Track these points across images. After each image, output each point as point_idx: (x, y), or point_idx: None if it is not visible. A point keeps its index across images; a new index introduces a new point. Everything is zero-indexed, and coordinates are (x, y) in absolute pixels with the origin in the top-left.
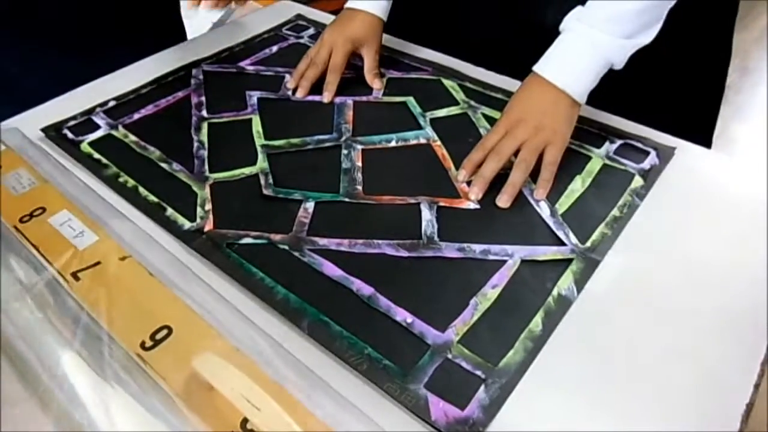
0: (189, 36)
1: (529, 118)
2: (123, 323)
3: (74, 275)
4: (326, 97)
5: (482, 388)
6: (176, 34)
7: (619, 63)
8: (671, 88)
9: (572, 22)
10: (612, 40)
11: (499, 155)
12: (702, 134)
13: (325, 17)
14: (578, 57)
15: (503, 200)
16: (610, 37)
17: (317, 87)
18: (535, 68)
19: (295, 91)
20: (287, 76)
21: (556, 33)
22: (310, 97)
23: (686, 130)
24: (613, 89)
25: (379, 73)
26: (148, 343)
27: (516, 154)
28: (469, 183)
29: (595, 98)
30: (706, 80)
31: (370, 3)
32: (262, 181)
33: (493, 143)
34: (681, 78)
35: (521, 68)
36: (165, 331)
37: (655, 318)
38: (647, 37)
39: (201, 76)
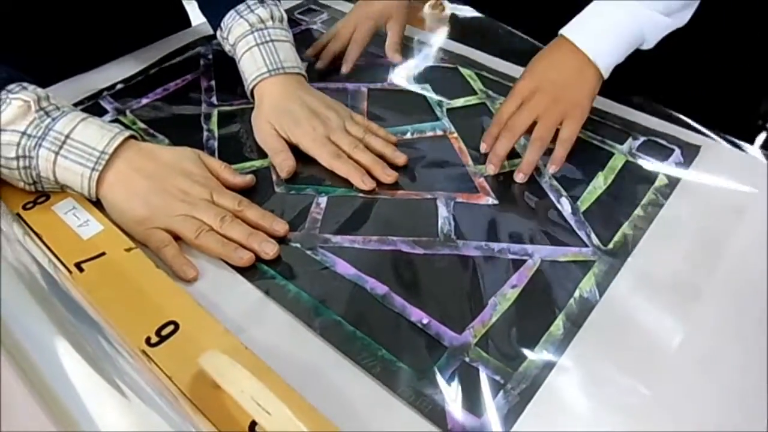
0: (197, 21)
1: (548, 87)
2: (128, 318)
3: (78, 266)
4: (344, 68)
5: (501, 394)
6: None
7: (651, 42)
8: (714, 77)
9: None
10: (651, 15)
11: (512, 131)
12: (743, 127)
13: (338, 2)
14: (614, 26)
15: (519, 177)
16: (650, 11)
17: (330, 73)
18: (564, 32)
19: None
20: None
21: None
22: (323, 84)
23: (726, 123)
24: (655, 77)
25: (400, 49)
26: (154, 339)
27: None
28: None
29: (635, 84)
30: (750, 69)
31: None
32: (274, 176)
33: (509, 113)
34: (725, 66)
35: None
36: (171, 327)
37: (680, 321)
38: (682, 20)
39: (210, 56)
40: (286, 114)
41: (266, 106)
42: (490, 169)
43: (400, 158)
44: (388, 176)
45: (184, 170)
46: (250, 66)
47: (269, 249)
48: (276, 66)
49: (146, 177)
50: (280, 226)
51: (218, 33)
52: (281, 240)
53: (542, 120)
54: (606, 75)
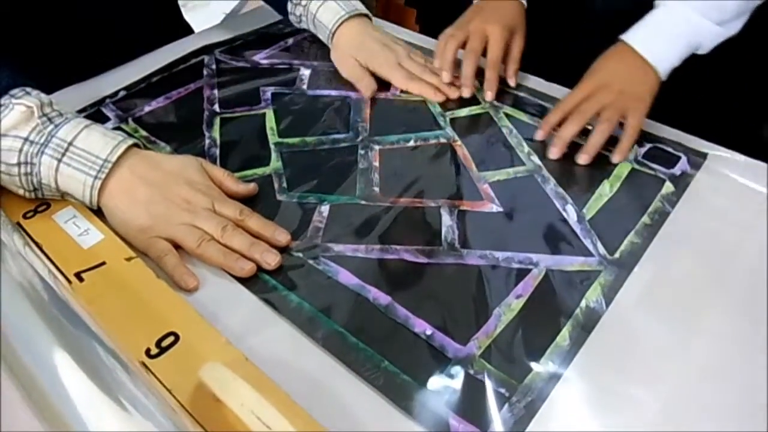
0: (200, 28)
1: (614, 83)
2: (128, 329)
3: (78, 276)
4: (489, 96)
5: (506, 407)
6: (182, 33)
7: (706, 48)
8: (719, 99)
9: (671, 1)
10: (708, 24)
11: (581, 116)
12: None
13: None
14: (672, 34)
15: (582, 159)
16: (708, 21)
17: (332, 81)
18: (625, 38)
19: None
20: (302, 69)
21: (606, 17)
22: (325, 92)
23: (733, 134)
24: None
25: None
26: (154, 351)
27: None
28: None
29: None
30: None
31: None
32: (276, 184)
33: (572, 105)
34: (732, 78)
35: (568, 53)
36: (171, 338)
37: (688, 332)
38: (734, 29)
39: (213, 66)
40: (364, 48)
41: (346, 44)
42: (554, 152)
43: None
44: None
45: (186, 179)
46: (329, 14)
47: (271, 259)
48: (350, 9)
49: (148, 185)
50: (282, 236)
51: (288, 4)
52: (283, 249)
53: (609, 108)
54: (664, 77)
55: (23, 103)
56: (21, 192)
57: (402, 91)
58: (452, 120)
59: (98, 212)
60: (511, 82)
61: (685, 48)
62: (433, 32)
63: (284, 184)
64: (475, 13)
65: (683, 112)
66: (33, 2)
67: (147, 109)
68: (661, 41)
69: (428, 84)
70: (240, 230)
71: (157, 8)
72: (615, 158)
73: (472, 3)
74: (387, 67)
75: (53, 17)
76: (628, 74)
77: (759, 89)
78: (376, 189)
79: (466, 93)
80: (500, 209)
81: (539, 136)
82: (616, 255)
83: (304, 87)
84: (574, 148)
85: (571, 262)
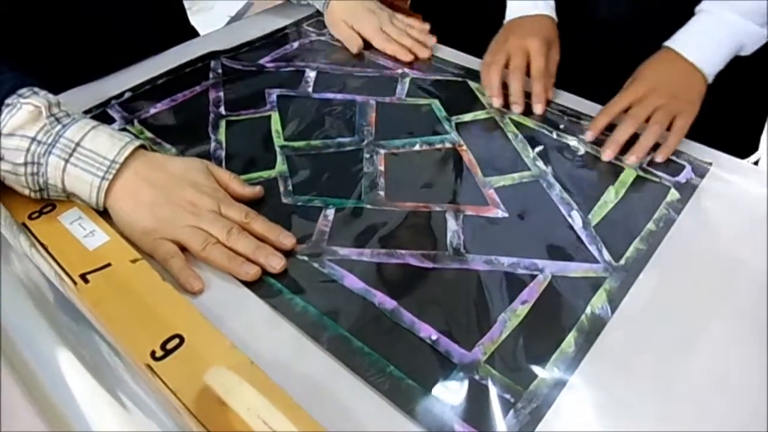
0: (205, 30)
1: (663, 86)
2: (133, 330)
3: (83, 277)
4: (539, 108)
5: (511, 413)
6: (188, 36)
7: (749, 50)
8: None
9: (713, 5)
10: (752, 26)
11: (634, 119)
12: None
13: None
14: (717, 38)
15: (632, 160)
16: (751, 23)
17: (337, 85)
18: (670, 44)
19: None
20: (307, 70)
21: (607, 26)
22: (331, 95)
23: (731, 141)
24: None
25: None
26: (159, 353)
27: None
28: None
29: None
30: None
31: (545, 4)
32: (281, 187)
33: (621, 109)
34: (729, 86)
35: (569, 61)
36: (177, 341)
37: (693, 338)
38: None
39: (219, 70)
40: (353, 13)
41: (338, 10)
42: (608, 155)
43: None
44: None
45: (192, 181)
46: None
47: (275, 263)
48: None
49: (154, 187)
50: (288, 240)
51: None
52: (288, 253)
53: (660, 111)
54: (710, 80)
55: (31, 103)
56: (26, 192)
57: (408, 95)
58: (458, 125)
59: (103, 213)
60: (548, 95)
61: (729, 50)
62: (434, 21)
63: (290, 188)
64: (509, 32)
65: None
66: (33, 2)
67: (152, 111)
68: (707, 45)
69: (402, 46)
70: (245, 233)
71: (158, 9)
72: (659, 157)
73: (486, 16)
74: (371, 29)
75: (53, 17)
76: (678, 78)
77: (761, 96)
78: (381, 193)
79: (517, 109)
80: (505, 214)
81: (588, 138)
82: (622, 261)
83: (310, 90)
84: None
85: (577, 269)
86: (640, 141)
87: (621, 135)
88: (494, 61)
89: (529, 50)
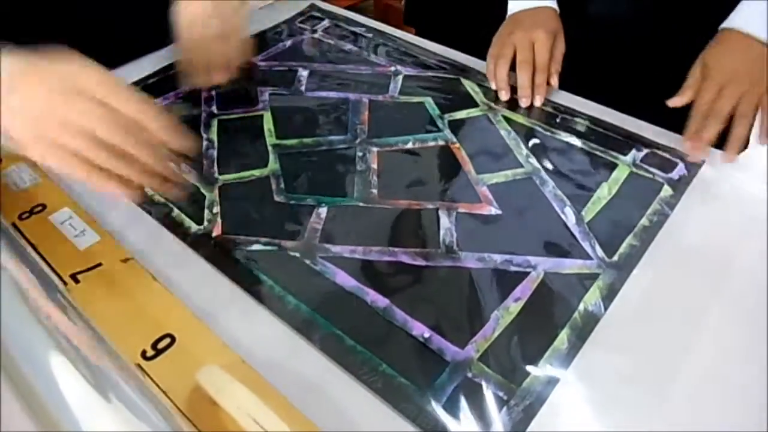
0: None
1: (740, 74)
2: (123, 330)
3: (73, 277)
4: (538, 100)
5: (504, 410)
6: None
7: None
8: None
9: None
10: None
11: (718, 118)
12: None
13: (340, 10)
14: None
15: (729, 157)
16: None
17: (330, 83)
18: (729, 25)
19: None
20: (300, 69)
21: (601, 24)
22: (323, 94)
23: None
24: (650, 94)
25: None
26: (150, 353)
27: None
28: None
29: (630, 103)
30: None
31: None
32: (274, 186)
33: (707, 107)
34: None
35: (567, 59)
36: (168, 340)
37: (687, 334)
38: None
39: None
40: None
41: None
42: (701, 155)
43: None
44: None
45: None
46: None
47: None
48: None
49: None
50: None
51: None
52: (283, 251)
53: (743, 102)
54: None
55: None
56: None
57: (400, 93)
58: (450, 122)
59: (96, 213)
60: (553, 82)
61: None
62: (428, 34)
63: (282, 186)
64: (514, 26)
65: (682, 115)
66: (33, 2)
67: None
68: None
69: None
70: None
71: (158, 8)
72: (763, 140)
73: (483, 14)
74: None
75: (53, 17)
76: (749, 61)
77: None
78: (374, 191)
79: (525, 103)
80: (498, 211)
81: (693, 150)
82: (615, 258)
83: (302, 88)
84: (570, 148)
85: (570, 265)
86: (735, 134)
87: (709, 136)
88: (502, 54)
89: (535, 43)
